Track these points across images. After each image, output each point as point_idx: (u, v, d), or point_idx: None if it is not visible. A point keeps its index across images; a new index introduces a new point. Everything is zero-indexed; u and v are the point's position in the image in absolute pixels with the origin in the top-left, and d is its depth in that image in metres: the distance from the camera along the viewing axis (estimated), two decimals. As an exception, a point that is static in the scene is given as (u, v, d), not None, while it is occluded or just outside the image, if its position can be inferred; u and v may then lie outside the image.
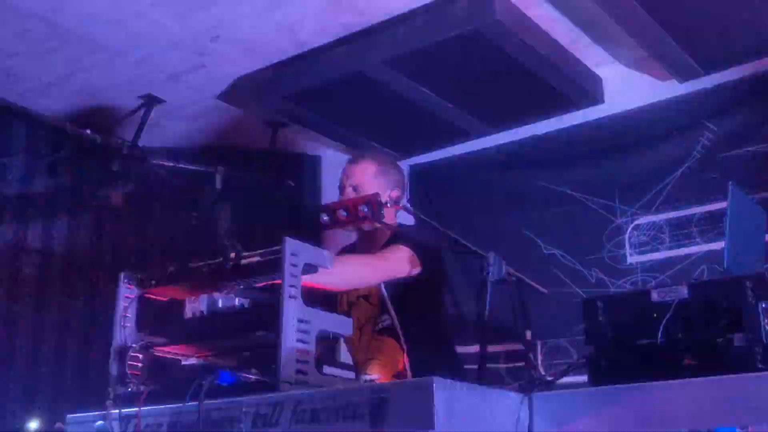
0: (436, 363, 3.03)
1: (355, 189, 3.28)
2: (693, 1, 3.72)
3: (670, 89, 4.44)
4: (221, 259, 2.37)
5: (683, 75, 4.32)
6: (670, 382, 1.98)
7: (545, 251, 4.71)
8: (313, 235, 4.63)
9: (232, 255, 2.34)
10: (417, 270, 3.09)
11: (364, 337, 3.15)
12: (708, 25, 3.91)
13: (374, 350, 3.09)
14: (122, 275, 2.55)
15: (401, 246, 3.11)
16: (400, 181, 3.39)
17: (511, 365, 4.41)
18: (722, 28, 3.92)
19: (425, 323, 3.17)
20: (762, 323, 2.07)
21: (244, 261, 2.36)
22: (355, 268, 3.03)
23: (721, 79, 4.30)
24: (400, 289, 3.10)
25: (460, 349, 3.72)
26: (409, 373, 2.93)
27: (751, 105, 4.23)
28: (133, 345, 2.48)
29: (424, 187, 5.24)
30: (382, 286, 3.09)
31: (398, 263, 3.07)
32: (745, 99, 4.25)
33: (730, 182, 2.42)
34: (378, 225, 2.97)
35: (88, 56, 4.41)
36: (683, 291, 2.18)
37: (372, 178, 3.30)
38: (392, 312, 3.05)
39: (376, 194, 2.78)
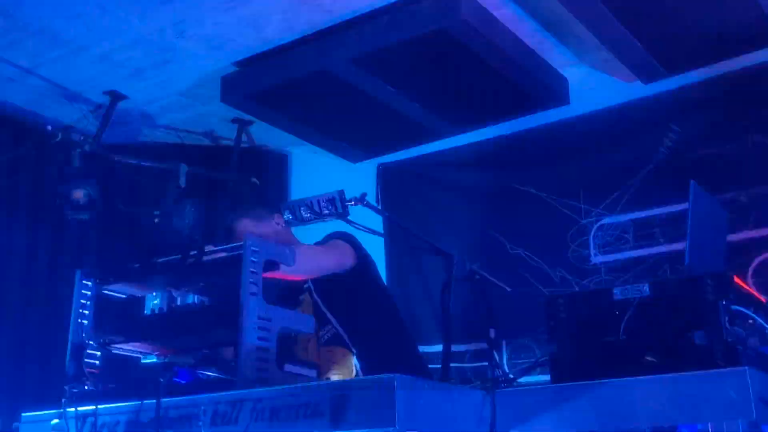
0: (392, 361, 3.04)
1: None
2: (657, 4, 3.74)
3: (635, 90, 4.47)
4: (181, 255, 2.33)
5: (647, 76, 4.35)
6: (632, 379, 1.98)
7: (510, 251, 4.72)
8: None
9: (193, 252, 2.30)
10: (353, 262, 3.10)
11: (311, 352, 3.15)
12: (672, 27, 3.93)
13: (325, 362, 3.10)
14: (79, 273, 2.51)
15: (337, 240, 3.13)
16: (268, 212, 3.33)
17: (476, 364, 4.42)
18: (686, 30, 3.95)
19: (371, 321, 3.16)
20: (722, 321, 2.08)
21: (204, 258, 2.33)
22: (313, 256, 3.03)
23: (684, 81, 4.34)
24: (336, 293, 3.11)
25: (427, 348, 3.72)
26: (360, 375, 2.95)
27: (713, 106, 4.27)
28: (91, 343, 2.43)
29: (392, 186, 5.24)
30: (317, 297, 3.11)
31: (345, 253, 3.08)
32: (708, 100, 4.29)
33: (692, 182, 2.43)
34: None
35: (50, 51, 4.33)
36: (645, 289, 2.19)
37: (254, 228, 3.21)
38: (333, 321, 3.08)
39: (341, 191, 2.76)
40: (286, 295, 3.13)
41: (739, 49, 4.11)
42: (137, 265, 2.47)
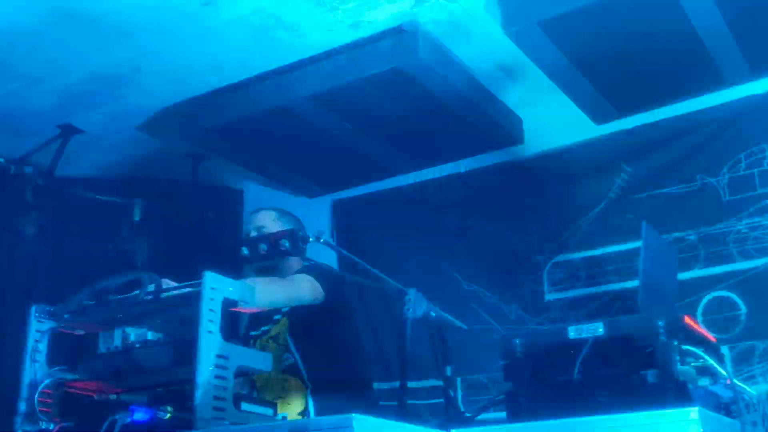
0: (347, 399, 3.03)
1: (258, 230, 3.40)
2: (609, 47, 3.83)
3: (588, 131, 4.55)
4: (137, 292, 2.31)
5: (600, 117, 4.44)
6: (586, 418, 2.01)
7: (466, 287, 4.74)
8: (233, 269, 4.60)
9: (151, 287, 2.28)
10: (321, 298, 3.10)
11: (271, 375, 3.14)
12: (624, 71, 4.03)
13: (279, 389, 3.09)
14: (33, 308, 2.47)
15: (304, 275, 3.14)
16: (298, 225, 3.46)
17: (431, 401, 4.41)
18: (637, 73, 4.05)
19: (332, 359, 3.17)
20: (674, 361, 2.12)
21: (161, 294, 2.31)
22: (263, 288, 3.02)
23: (636, 122, 4.43)
24: (304, 324, 3.11)
25: (383, 385, 3.71)
26: (310, 411, 2.94)
27: (665, 147, 4.37)
28: (44, 381, 2.39)
29: (347, 223, 5.24)
30: (287, 321, 3.11)
31: (302, 286, 3.09)
32: (658, 141, 4.38)
33: (644, 222, 2.48)
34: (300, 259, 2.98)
35: (4, 83, 4.29)
36: (599, 329, 2.22)
37: (272, 221, 3.42)
38: (294, 351, 3.10)
39: (295, 229, 2.77)
40: (261, 314, 3.15)
41: (688, 92, 4.22)
42: (91, 301, 2.44)
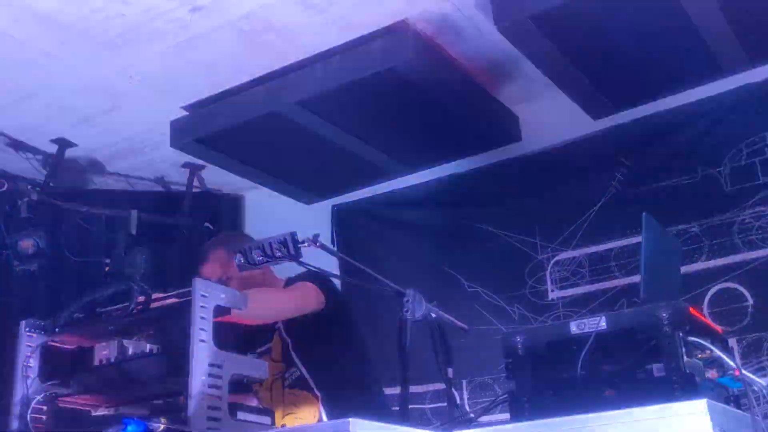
0: (357, 406, 2.98)
1: (220, 280, 3.14)
2: (603, 41, 3.78)
3: (585, 126, 4.50)
4: (129, 303, 2.27)
5: (596, 112, 4.39)
6: (591, 415, 1.95)
7: (468, 288, 4.70)
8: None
9: (141, 299, 2.23)
10: (322, 305, 3.04)
11: (275, 394, 3.09)
12: (619, 64, 3.98)
13: (289, 405, 3.04)
14: (23, 323, 2.42)
15: (305, 282, 3.08)
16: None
17: (435, 405, 4.37)
18: (632, 65, 4.00)
19: (339, 365, 3.11)
20: (680, 353, 2.06)
21: (153, 305, 2.26)
22: (267, 300, 2.96)
23: (633, 116, 4.39)
24: (305, 335, 3.06)
25: (388, 390, 3.66)
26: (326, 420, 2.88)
27: (663, 140, 4.32)
28: (37, 397, 2.34)
29: (347, 227, 5.20)
30: (287, 338, 3.06)
31: (307, 295, 3.04)
32: (656, 134, 4.34)
33: (644, 214, 2.43)
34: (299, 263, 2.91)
35: (-4, 98, 4.26)
36: (601, 322, 2.17)
37: (227, 261, 3.19)
38: (299, 364, 3.05)
39: (293, 233, 2.71)
40: (255, 334, 3.08)
41: (685, 83, 4.17)
42: (83, 314, 2.39)
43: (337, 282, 3.23)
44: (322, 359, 3.09)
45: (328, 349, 3.11)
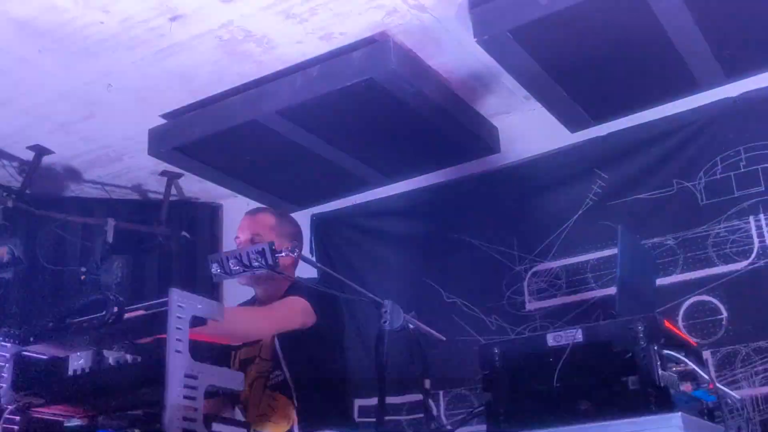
0: (329, 418, 2.97)
1: (252, 240, 3.20)
2: (581, 53, 3.81)
3: (563, 138, 4.53)
4: (104, 313, 2.24)
5: (574, 125, 4.43)
6: (566, 428, 1.96)
7: (447, 299, 4.70)
8: (212, 289, 4.53)
9: (115, 309, 2.21)
10: (311, 321, 3.02)
11: (254, 392, 3.06)
12: (597, 78, 4.01)
13: (266, 407, 3.01)
14: (-6, 333, 2.40)
15: (296, 297, 3.04)
16: (296, 234, 3.37)
17: (412, 416, 4.36)
18: (610, 80, 4.04)
19: (320, 378, 3.09)
20: (654, 366, 2.08)
21: (128, 315, 2.25)
22: (244, 320, 2.93)
23: (610, 129, 4.42)
24: (294, 342, 3.03)
25: (365, 402, 3.65)
26: (297, 430, 2.87)
27: (639, 153, 4.35)
28: (9, 407, 2.31)
29: (325, 236, 5.19)
30: (276, 340, 3.03)
31: (289, 314, 3.00)
32: (633, 147, 4.36)
33: (620, 227, 2.45)
34: (277, 274, 2.88)
35: (-29, 105, 4.23)
36: (578, 335, 2.18)
37: (269, 230, 3.25)
38: (285, 367, 3.01)
39: (270, 243, 2.70)
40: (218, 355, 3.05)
41: (662, 97, 4.21)
42: (57, 323, 2.37)
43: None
44: (307, 369, 3.06)
45: (314, 361, 3.09)
